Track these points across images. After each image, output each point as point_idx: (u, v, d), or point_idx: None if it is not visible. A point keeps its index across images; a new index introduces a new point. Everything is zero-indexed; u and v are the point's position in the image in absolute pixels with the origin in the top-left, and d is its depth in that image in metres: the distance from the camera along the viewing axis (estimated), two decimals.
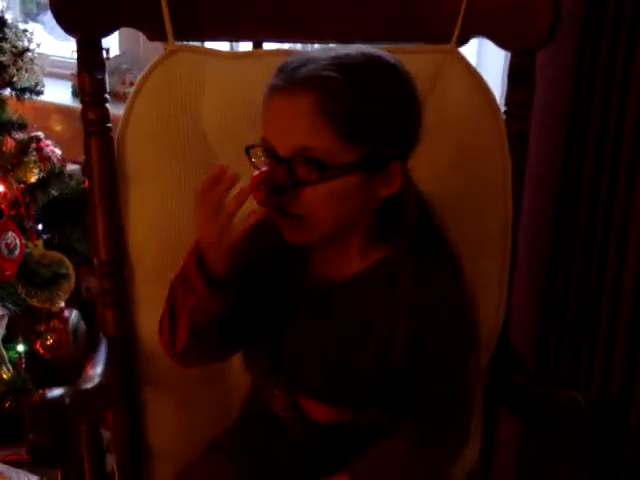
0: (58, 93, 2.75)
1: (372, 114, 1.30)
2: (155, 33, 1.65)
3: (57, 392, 1.40)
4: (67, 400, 1.40)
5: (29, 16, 3.14)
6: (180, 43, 1.67)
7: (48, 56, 2.61)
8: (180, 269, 1.37)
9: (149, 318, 1.68)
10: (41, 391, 1.41)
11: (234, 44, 2.32)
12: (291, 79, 1.31)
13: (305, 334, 1.43)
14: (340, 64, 1.30)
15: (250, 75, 1.66)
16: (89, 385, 1.50)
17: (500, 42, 1.64)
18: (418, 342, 1.36)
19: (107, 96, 1.66)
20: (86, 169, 1.67)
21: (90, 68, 1.64)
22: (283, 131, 1.32)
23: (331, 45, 1.34)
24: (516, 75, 1.66)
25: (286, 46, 1.83)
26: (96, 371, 1.54)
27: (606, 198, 2.01)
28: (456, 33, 1.63)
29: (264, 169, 1.33)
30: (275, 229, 1.37)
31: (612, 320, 2.06)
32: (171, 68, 1.67)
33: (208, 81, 1.67)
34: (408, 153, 1.36)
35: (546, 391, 1.59)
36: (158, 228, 1.68)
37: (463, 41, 1.65)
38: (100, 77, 1.64)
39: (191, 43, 1.73)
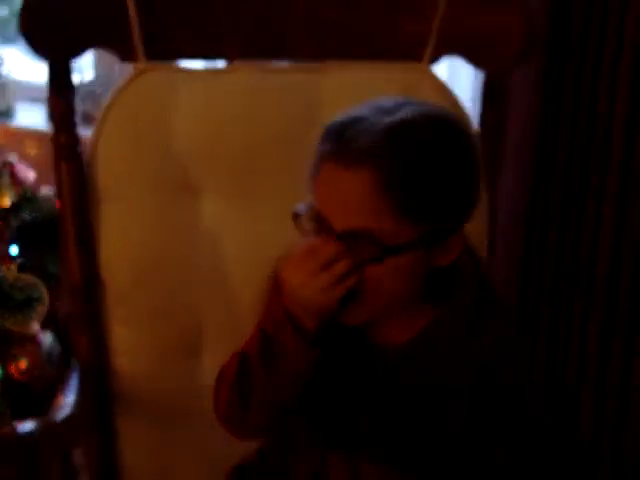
0: (33, 117, 2.67)
1: (435, 189, 1.17)
2: (127, 53, 1.58)
3: (27, 426, 1.32)
4: (37, 434, 1.32)
5: (8, 40, 3.06)
6: (151, 62, 1.59)
7: (20, 81, 2.57)
8: (251, 344, 1.28)
9: (121, 338, 1.62)
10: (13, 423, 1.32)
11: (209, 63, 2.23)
12: (346, 148, 1.17)
13: (375, 403, 1.31)
14: (400, 131, 1.16)
15: (224, 91, 1.60)
16: (60, 416, 1.41)
17: (474, 61, 1.58)
18: (490, 397, 1.26)
19: (77, 120, 1.58)
20: (57, 195, 1.59)
21: (60, 92, 1.56)
22: (339, 208, 1.19)
23: (383, 101, 1.21)
24: (490, 95, 1.60)
25: None
26: (67, 400, 1.45)
27: (576, 214, 1.98)
28: (428, 51, 1.57)
29: None
30: None
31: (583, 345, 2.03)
32: (141, 87, 1.59)
33: (180, 98, 1.60)
34: (466, 220, 1.25)
35: None
36: (128, 245, 1.61)
37: (436, 59, 1.59)
38: (70, 101, 1.57)
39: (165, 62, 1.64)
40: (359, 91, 1.55)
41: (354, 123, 1.18)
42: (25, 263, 2.29)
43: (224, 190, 1.60)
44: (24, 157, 2.44)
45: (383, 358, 1.31)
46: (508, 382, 1.28)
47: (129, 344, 1.62)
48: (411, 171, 1.16)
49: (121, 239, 1.61)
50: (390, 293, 1.23)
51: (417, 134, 1.18)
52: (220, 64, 1.70)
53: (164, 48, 1.59)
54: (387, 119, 1.17)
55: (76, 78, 2.58)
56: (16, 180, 2.29)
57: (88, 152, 1.59)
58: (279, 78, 1.62)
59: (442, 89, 1.60)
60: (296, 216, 1.25)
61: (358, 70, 1.60)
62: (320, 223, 1.22)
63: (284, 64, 1.66)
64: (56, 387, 1.56)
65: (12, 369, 2.33)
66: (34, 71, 2.80)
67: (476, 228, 1.59)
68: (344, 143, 1.17)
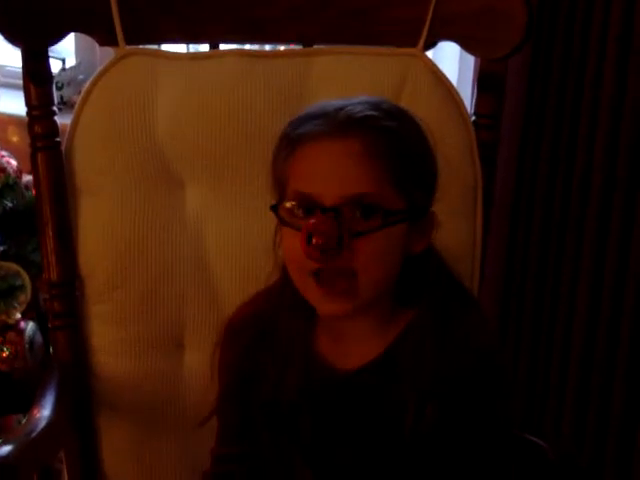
0: (15, 104, 2.55)
1: (416, 158, 1.16)
2: (106, 38, 1.46)
3: (4, 450, 1.20)
4: (15, 458, 1.20)
5: None
6: (132, 47, 1.47)
7: (2, 66, 2.48)
8: None
9: (101, 336, 1.50)
10: None
11: (191, 46, 2.11)
12: (335, 122, 1.13)
13: (338, 428, 1.22)
14: (378, 107, 1.15)
15: (207, 76, 1.48)
16: (37, 431, 1.29)
17: (469, 48, 1.46)
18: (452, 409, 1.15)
19: (55, 109, 1.46)
20: (34, 186, 1.47)
21: (37, 79, 1.44)
22: (334, 179, 1.12)
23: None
24: (485, 83, 1.47)
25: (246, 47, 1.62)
26: (43, 413, 1.32)
27: (560, 205, 1.89)
28: (423, 36, 1.45)
29: (313, 220, 1.11)
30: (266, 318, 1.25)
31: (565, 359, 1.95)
32: (121, 72, 1.47)
33: (162, 84, 1.48)
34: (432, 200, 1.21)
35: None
36: (108, 239, 1.48)
37: (431, 45, 1.47)
38: (47, 89, 1.45)
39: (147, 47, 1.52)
40: (350, 77, 1.46)
41: (335, 105, 1.15)
42: (7, 251, 2.22)
43: (207, 180, 1.48)
44: (6, 144, 2.37)
45: (344, 380, 1.22)
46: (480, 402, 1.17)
47: (109, 341, 1.49)
48: (399, 134, 1.14)
49: (101, 232, 1.48)
50: (383, 268, 1.15)
51: (391, 108, 1.18)
52: (203, 48, 1.57)
53: (145, 32, 1.47)
54: (361, 99, 1.17)
55: (58, 64, 2.50)
56: None
57: (65, 142, 1.47)
58: (266, 63, 1.49)
59: (437, 75, 1.47)
60: (276, 207, 1.17)
61: (349, 55, 1.49)
62: (306, 206, 1.13)
63: (271, 48, 1.53)
64: (38, 376, 1.47)
65: None
66: (16, 56, 2.70)
67: (469, 225, 1.49)
68: (333, 119, 1.14)
